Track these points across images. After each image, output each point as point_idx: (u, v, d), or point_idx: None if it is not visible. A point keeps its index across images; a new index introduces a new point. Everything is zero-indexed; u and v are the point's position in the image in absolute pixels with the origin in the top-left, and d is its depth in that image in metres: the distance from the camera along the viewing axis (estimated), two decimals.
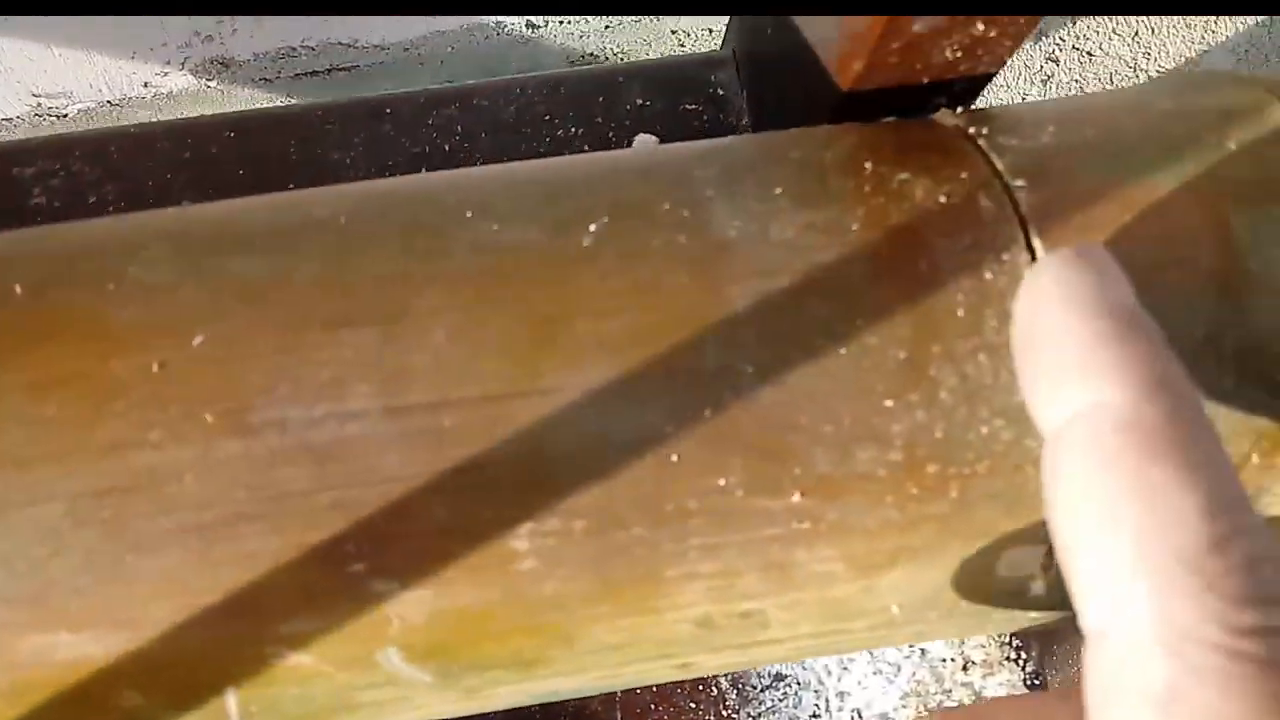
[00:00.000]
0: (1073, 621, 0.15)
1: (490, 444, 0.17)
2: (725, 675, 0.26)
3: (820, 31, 0.21)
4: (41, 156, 0.27)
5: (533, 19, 0.70)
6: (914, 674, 0.26)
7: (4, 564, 0.16)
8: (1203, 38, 0.78)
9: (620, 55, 0.71)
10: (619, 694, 0.26)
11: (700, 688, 0.26)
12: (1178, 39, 0.81)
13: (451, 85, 0.28)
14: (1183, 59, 0.76)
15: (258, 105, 0.69)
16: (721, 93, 0.28)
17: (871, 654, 0.26)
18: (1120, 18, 0.79)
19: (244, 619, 0.17)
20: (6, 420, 0.16)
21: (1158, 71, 0.76)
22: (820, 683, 0.26)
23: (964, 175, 0.18)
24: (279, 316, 0.17)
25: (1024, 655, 0.26)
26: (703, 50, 0.29)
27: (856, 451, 0.17)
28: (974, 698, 0.26)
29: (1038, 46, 0.82)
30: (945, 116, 0.20)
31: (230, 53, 0.68)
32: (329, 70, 0.70)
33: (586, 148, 0.27)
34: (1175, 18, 0.80)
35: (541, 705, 0.26)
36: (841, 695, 0.26)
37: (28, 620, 0.16)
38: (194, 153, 0.27)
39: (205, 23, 0.66)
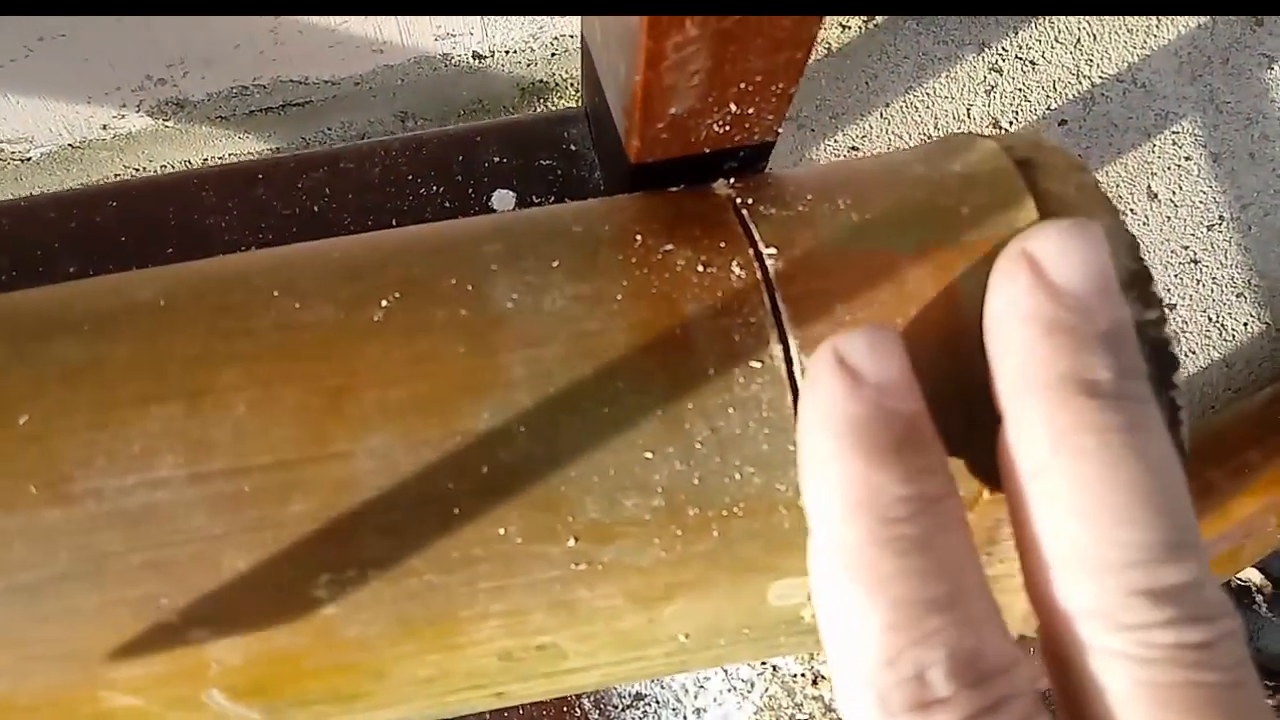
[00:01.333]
0: None
1: (286, 504, 0.18)
2: (588, 696, 0.28)
3: (618, 104, 0.23)
4: None
5: (478, 49, 0.72)
6: (766, 689, 0.28)
7: None
8: (1144, 43, 0.80)
9: (569, 81, 0.73)
10: (488, 714, 0.27)
11: (565, 709, 0.28)
12: (1120, 44, 0.82)
13: (320, 149, 0.30)
14: (1125, 64, 0.77)
15: (216, 141, 0.71)
16: (574, 148, 0.30)
17: (725, 671, 0.28)
18: (1062, 26, 0.80)
19: (75, 668, 0.19)
20: None
21: (1100, 78, 0.78)
22: (678, 700, 0.28)
23: (722, 244, 0.20)
24: (94, 396, 0.19)
25: None
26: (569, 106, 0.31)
27: (622, 499, 0.19)
28: (825, 712, 0.28)
29: (980, 57, 0.84)
30: (720, 187, 0.22)
31: (184, 93, 0.70)
32: (283, 106, 0.72)
33: (447, 204, 0.29)
34: (1117, 24, 0.81)
35: None
36: (698, 712, 0.28)
37: None
38: (78, 222, 0.29)
39: (156, 65, 0.68)
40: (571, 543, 0.19)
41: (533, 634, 0.20)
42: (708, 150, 0.22)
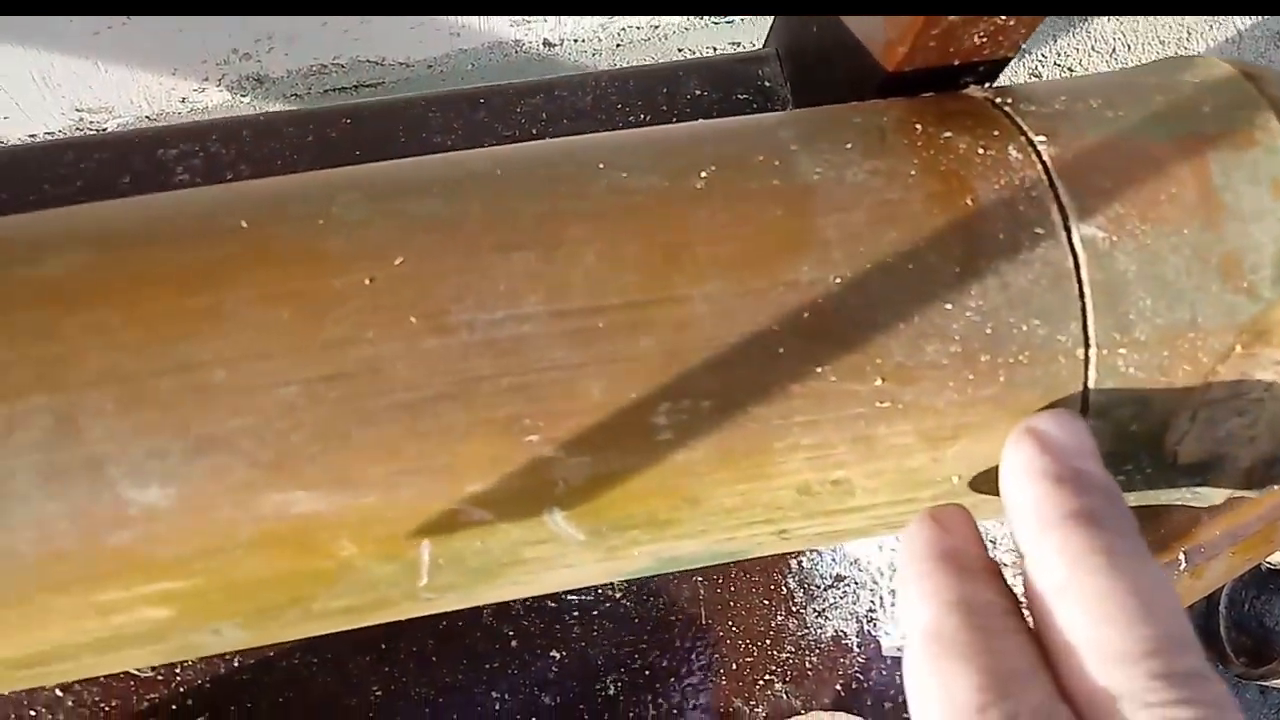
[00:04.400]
0: None
1: (635, 339, 0.21)
2: (793, 576, 0.30)
3: (867, 26, 0.26)
4: (182, 140, 0.31)
5: (549, 37, 0.75)
6: None
7: (254, 435, 0.20)
8: (1175, 54, 0.84)
9: None
10: (703, 593, 0.30)
11: (771, 587, 0.30)
12: (1152, 54, 0.87)
13: (538, 79, 0.33)
14: None
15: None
16: (768, 84, 0.33)
17: None
18: (1099, 35, 0.85)
19: (442, 482, 0.21)
20: (249, 323, 0.20)
21: None
22: (875, 582, 0.30)
23: (996, 133, 0.23)
24: (460, 243, 0.21)
25: None
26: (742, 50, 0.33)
27: (924, 345, 0.21)
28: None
29: (1021, 63, 0.88)
30: (975, 91, 0.24)
31: (265, 69, 0.72)
32: (356, 86, 0.74)
33: None
34: (1150, 35, 0.86)
35: (641, 603, 0.30)
36: (893, 593, 0.30)
37: (272, 480, 0.20)
38: (315, 136, 0.31)
39: (245, 39, 0.70)
40: (878, 382, 0.21)
41: (832, 468, 0.22)
42: (957, 62, 0.25)
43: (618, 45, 0.82)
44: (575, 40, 0.80)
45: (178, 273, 0.21)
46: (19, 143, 0.31)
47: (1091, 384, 0.22)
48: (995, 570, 0.21)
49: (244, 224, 0.22)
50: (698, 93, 0.33)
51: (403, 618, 0.24)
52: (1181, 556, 0.54)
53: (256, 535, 0.20)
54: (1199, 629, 1.06)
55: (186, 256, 0.21)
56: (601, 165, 0.23)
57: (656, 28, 0.79)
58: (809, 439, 0.22)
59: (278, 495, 0.20)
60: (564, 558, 0.22)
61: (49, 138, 0.30)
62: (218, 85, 0.73)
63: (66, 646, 0.21)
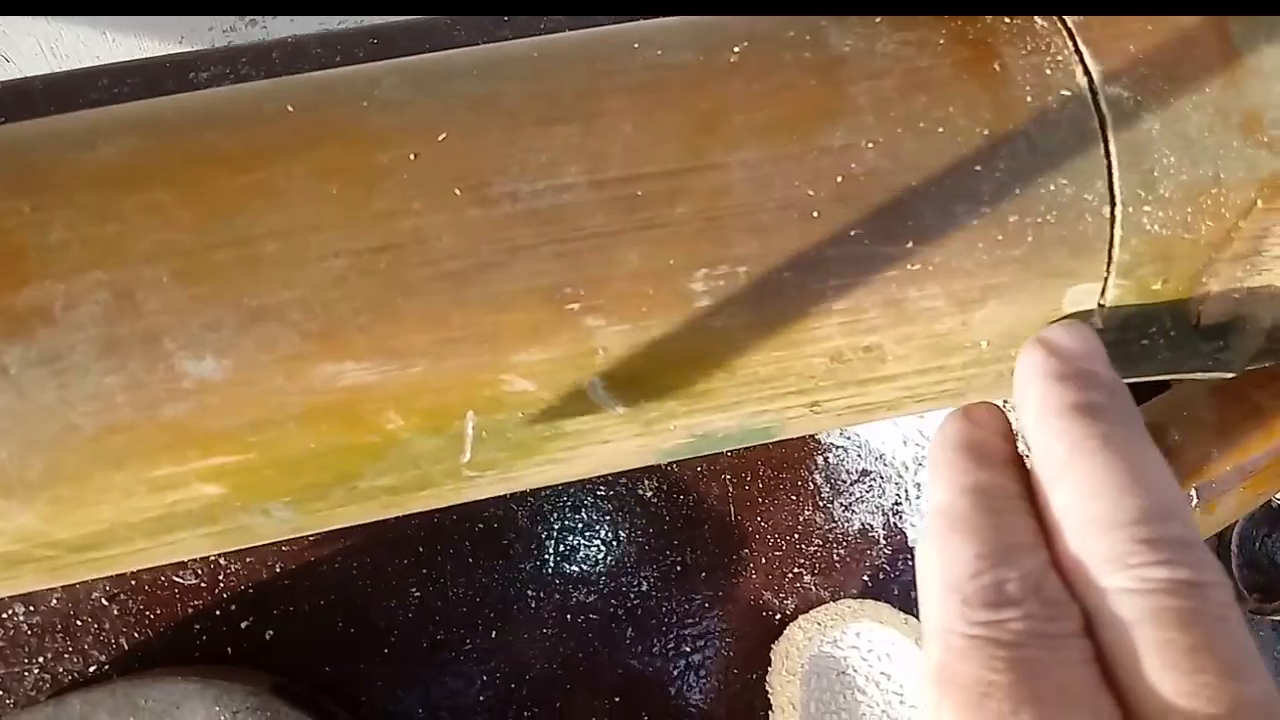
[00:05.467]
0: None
1: (673, 206, 0.21)
2: (820, 471, 0.31)
3: None
4: (214, 63, 0.31)
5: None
6: None
7: (304, 306, 0.20)
8: None
9: None
10: (731, 490, 0.30)
11: (799, 483, 0.30)
12: None
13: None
14: None
15: None
16: None
17: None
18: None
19: (486, 350, 0.21)
20: (299, 198, 0.21)
21: None
22: (900, 476, 0.31)
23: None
24: (501, 119, 0.22)
25: None
26: None
27: (954, 206, 0.22)
28: None
29: None
30: None
31: (271, 35, 0.72)
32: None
33: None
34: None
35: (670, 501, 0.31)
36: (918, 486, 0.31)
37: (321, 351, 0.21)
38: (343, 57, 0.31)
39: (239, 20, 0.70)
40: (909, 245, 0.22)
41: (864, 333, 0.22)
42: None
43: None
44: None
45: (229, 153, 0.21)
46: (53, 71, 0.31)
47: (1117, 242, 0.22)
48: (1017, 462, 0.22)
49: (290, 108, 0.22)
50: None
51: (442, 504, 0.24)
52: (1193, 492, 0.54)
53: (306, 407, 0.21)
54: None
55: (236, 138, 0.21)
56: (636, 45, 0.23)
57: None
58: (842, 303, 0.22)
59: (327, 366, 0.21)
60: (601, 432, 0.23)
61: (83, 66, 0.31)
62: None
63: (120, 527, 0.22)
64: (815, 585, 0.29)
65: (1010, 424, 0.23)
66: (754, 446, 0.27)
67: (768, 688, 0.28)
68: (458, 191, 0.21)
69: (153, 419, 0.20)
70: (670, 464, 0.31)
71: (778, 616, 0.30)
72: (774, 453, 0.30)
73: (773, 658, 0.29)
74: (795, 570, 0.30)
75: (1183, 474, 0.55)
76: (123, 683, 0.27)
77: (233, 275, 0.20)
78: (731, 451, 0.25)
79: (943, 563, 0.20)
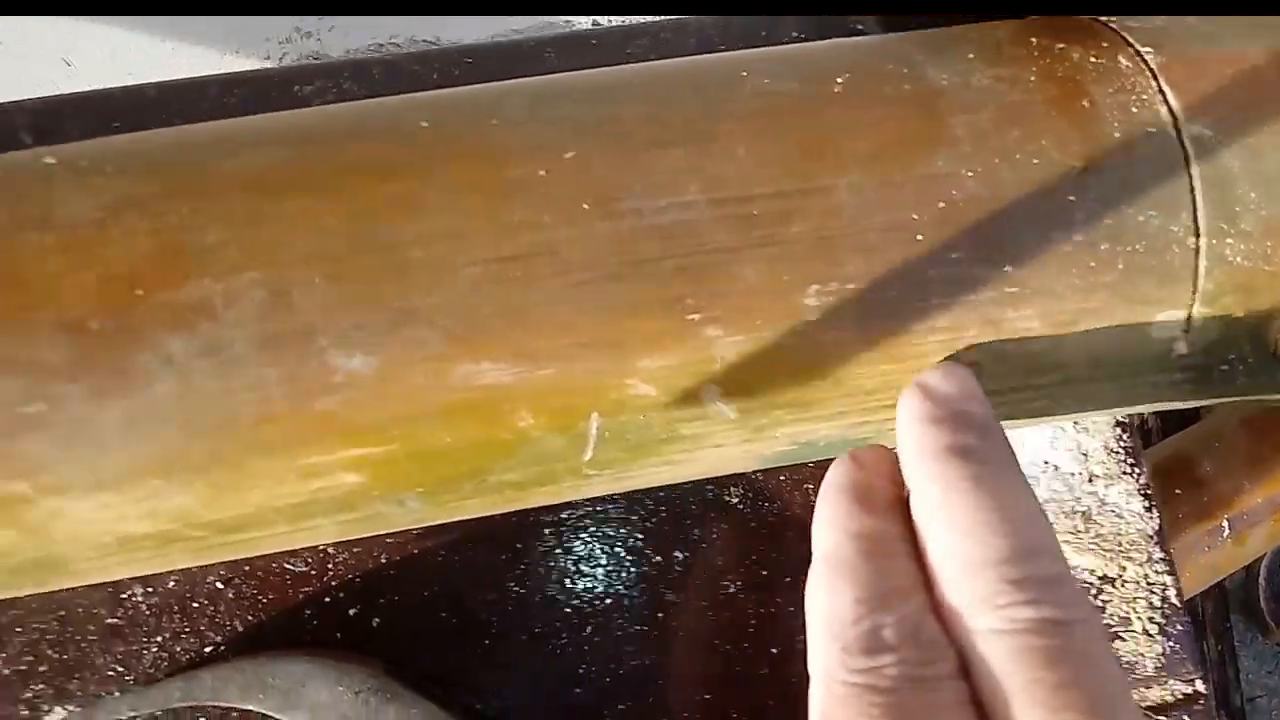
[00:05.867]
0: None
1: (788, 224, 0.23)
2: None
3: None
4: (317, 77, 0.33)
5: (598, 19, 0.77)
6: (1049, 485, 0.33)
7: (445, 310, 0.22)
8: None
9: None
10: (812, 499, 0.32)
11: None
12: None
13: (640, 23, 0.35)
14: None
15: None
16: (860, 28, 0.35)
17: None
18: None
19: (613, 356, 0.23)
20: (440, 208, 0.22)
21: None
22: None
23: (1105, 44, 0.25)
24: (620, 141, 0.23)
25: (1137, 469, 0.33)
26: None
27: (1050, 233, 0.23)
28: (1099, 505, 0.33)
29: None
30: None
31: (325, 48, 0.75)
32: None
33: None
34: None
35: (755, 508, 0.32)
36: None
37: (461, 352, 0.22)
38: (440, 75, 0.33)
39: (307, 20, 0.72)
40: (1007, 268, 0.23)
41: (962, 351, 0.24)
42: None
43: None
44: (621, 22, 0.82)
45: (371, 164, 0.23)
46: (162, 80, 0.33)
47: (1202, 272, 0.24)
48: (900, 506, 0.23)
49: (424, 124, 0.24)
50: (796, 34, 0.35)
51: (559, 500, 0.26)
52: (1225, 523, 0.55)
53: (446, 404, 0.22)
54: (1238, 600, 1.07)
55: (378, 151, 0.23)
56: (744, 74, 0.25)
57: None
58: (943, 321, 0.23)
59: (466, 366, 0.22)
60: (713, 437, 0.24)
61: (190, 76, 0.32)
62: (278, 63, 0.75)
63: (266, 511, 0.23)
64: None
65: (897, 467, 0.23)
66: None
67: None
68: (585, 206, 0.23)
69: (306, 410, 0.22)
70: (755, 472, 0.33)
71: None
72: None
73: None
74: None
75: (1214, 505, 0.56)
76: (249, 661, 0.28)
77: (381, 279, 0.22)
78: (814, 462, 0.27)
79: (825, 608, 0.21)
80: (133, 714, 0.29)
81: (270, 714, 0.28)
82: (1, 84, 0.71)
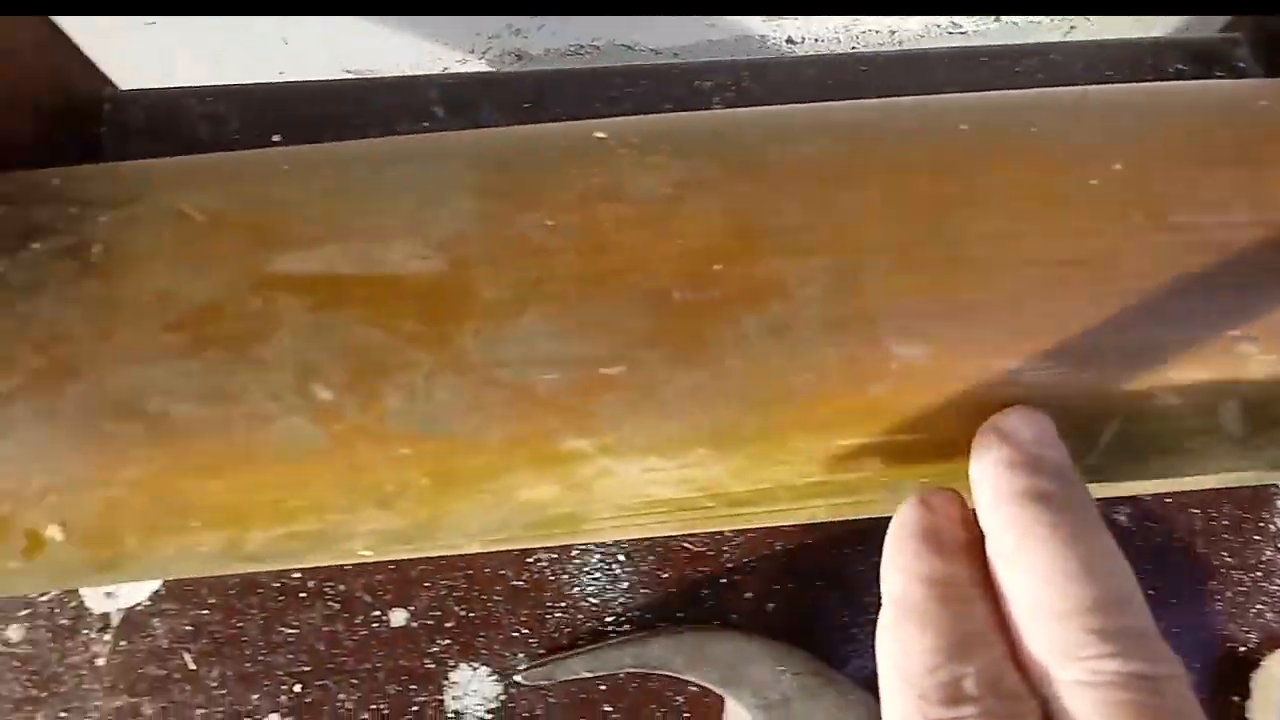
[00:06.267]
0: None
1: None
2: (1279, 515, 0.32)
3: None
4: (715, 74, 0.34)
5: (792, 35, 0.77)
6: None
7: (1000, 308, 0.22)
8: None
9: None
10: (1197, 525, 0.32)
11: (1260, 524, 0.32)
12: None
13: (1028, 43, 0.35)
14: None
15: None
16: (1242, 65, 0.35)
17: None
18: None
19: (1145, 362, 0.23)
20: (999, 209, 0.23)
21: None
22: None
23: None
24: (1168, 157, 0.24)
25: None
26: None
27: None
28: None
29: None
30: None
31: (529, 46, 0.75)
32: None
33: None
34: None
35: (1143, 528, 0.32)
36: None
37: (1009, 350, 0.22)
38: (835, 81, 0.34)
39: (519, 18, 0.73)
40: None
41: None
42: None
43: (851, 49, 0.84)
44: (816, 40, 0.82)
45: (920, 163, 0.23)
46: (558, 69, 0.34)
47: None
48: (975, 548, 0.22)
49: (964, 126, 0.24)
50: (1180, 67, 0.35)
51: None
52: None
53: (989, 400, 0.23)
54: None
55: (925, 151, 0.24)
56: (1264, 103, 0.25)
57: (894, 33, 0.82)
58: None
59: (1013, 363, 0.22)
60: (1211, 452, 0.24)
61: (581, 61, 0.33)
62: (481, 57, 0.76)
63: (780, 488, 0.24)
64: (1277, 623, 0.31)
65: (968, 510, 0.23)
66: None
67: (1248, 714, 0.30)
68: (1138, 218, 0.23)
69: (859, 394, 0.22)
70: (1142, 494, 0.33)
71: (1242, 649, 0.31)
72: (1240, 492, 0.31)
73: (1253, 688, 0.30)
74: (1257, 607, 0.31)
75: None
76: (691, 634, 0.29)
77: (943, 272, 0.22)
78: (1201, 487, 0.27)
79: (900, 654, 0.20)
80: (589, 674, 0.29)
81: (712, 687, 0.28)
82: (228, 61, 0.72)
